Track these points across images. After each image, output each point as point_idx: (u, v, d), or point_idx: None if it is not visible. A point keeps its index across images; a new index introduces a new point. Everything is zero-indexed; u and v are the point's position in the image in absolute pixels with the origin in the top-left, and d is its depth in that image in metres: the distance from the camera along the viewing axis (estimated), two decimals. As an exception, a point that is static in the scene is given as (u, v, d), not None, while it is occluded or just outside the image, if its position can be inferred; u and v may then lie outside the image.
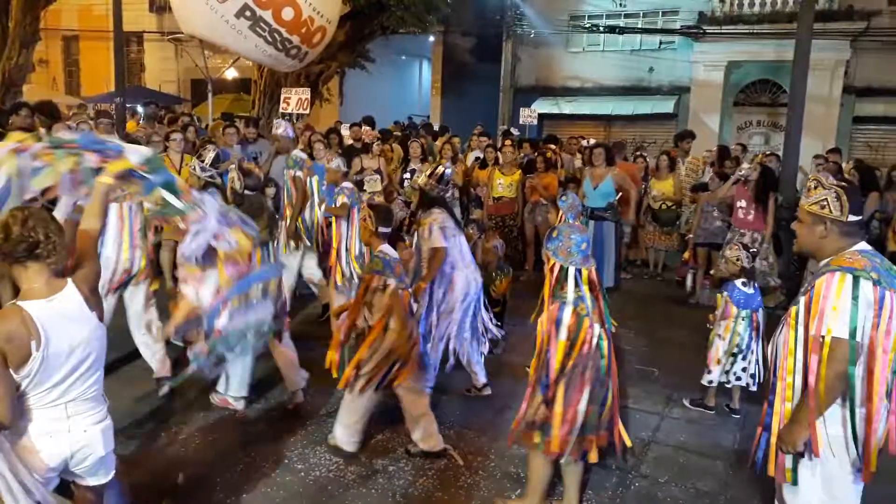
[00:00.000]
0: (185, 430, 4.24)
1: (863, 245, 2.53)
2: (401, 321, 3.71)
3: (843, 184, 2.56)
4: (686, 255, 8.03)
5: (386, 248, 3.93)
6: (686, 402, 4.87)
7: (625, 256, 8.70)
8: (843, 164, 8.84)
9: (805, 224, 2.62)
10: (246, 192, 4.27)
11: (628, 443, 3.34)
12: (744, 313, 4.62)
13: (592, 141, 10.00)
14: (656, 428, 4.57)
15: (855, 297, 2.38)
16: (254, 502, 3.54)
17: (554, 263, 3.20)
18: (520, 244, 8.43)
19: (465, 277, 4.67)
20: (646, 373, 5.47)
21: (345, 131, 10.08)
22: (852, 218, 2.50)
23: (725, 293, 4.73)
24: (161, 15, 21.44)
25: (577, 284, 3.15)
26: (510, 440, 3.54)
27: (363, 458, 3.99)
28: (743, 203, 6.90)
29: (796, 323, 2.56)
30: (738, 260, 4.72)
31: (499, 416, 4.54)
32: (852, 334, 2.37)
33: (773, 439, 2.63)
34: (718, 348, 4.68)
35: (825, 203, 2.53)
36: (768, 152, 10.91)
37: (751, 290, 4.69)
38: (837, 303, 2.39)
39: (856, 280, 2.39)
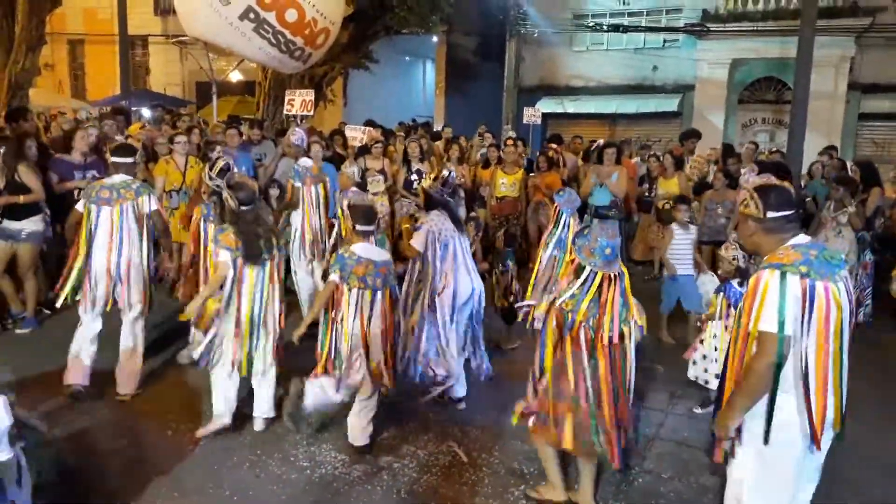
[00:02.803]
0: (191, 428, 4.27)
1: (799, 238, 2.61)
2: (317, 311, 4.03)
3: (762, 184, 2.73)
4: (692, 253, 8.02)
5: (357, 247, 4.03)
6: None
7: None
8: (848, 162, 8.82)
9: (741, 224, 2.77)
10: (242, 207, 4.27)
11: (615, 463, 3.33)
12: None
13: (601, 140, 9.99)
14: (660, 424, 4.59)
15: (782, 293, 2.46)
16: (260, 499, 3.58)
17: (574, 257, 3.25)
18: (524, 243, 8.44)
19: (464, 282, 4.61)
20: (650, 370, 5.48)
21: (349, 132, 10.11)
22: (771, 214, 2.59)
23: (722, 294, 4.71)
24: (166, 18, 21.54)
25: (584, 284, 3.19)
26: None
27: (368, 455, 4.03)
28: (746, 204, 6.93)
29: (739, 319, 2.67)
30: (734, 259, 4.69)
31: (502, 413, 4.53)
32: (780, 327, 2.45)
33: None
34: (714, 347, 4.68)
35: (747, 203, 2.65)
36: (774, 149, 10.94)
37: (744, 290, 4.68)
38: (766, 298, 2.49)
39: (783, 275, 2.48)
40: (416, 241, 4.54)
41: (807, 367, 2.51)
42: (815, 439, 2.54)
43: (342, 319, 3.96)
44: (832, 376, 2.53)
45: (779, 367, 2.48)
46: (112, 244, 4.53)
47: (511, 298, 5.62)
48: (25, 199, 5.71)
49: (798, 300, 2.46)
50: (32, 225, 5.83)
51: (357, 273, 3.94)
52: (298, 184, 6.20)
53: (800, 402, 2.54)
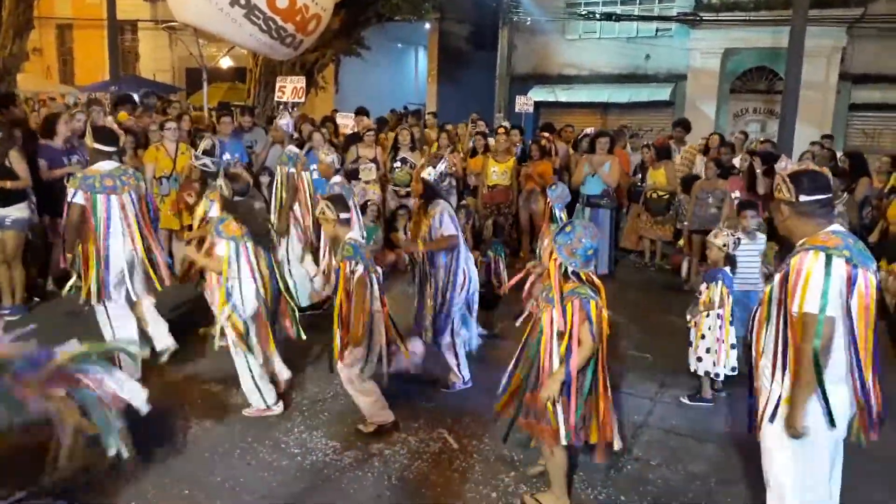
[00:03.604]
0: (183, 416, 4.29)
1: (836, 227, 2.63)
2: (361, 305, 3.85)
3: (796, 170, 2.75)
4: (681, 242, 8.09)
5: (355, 234, 4.12)
6: (685, 400, 4.79)
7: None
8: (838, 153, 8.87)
9: (776, 210, 2.81)
10: (236, 197, 4.30)
11: (615, 443, 3.35)
12: (733, 299, 4.64)
13: (591, 129, 9.99)
14: (649, 412, 4.63)
15: (828, 274, 2.47)
16: (251, 486, 3.59)
17: (556, 257, 3.19)
18: (515, 232, 8.46)
19: (470, 268, 4.75)
20: (639, 358, 5.53)
21: (341, 120, 10.06)
22: (803, 198, 2.62)
23: (721, 282, 4.63)
24: (155, 3, 21.30)
25: (579, 281, 3.17)
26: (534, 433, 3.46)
27: (359, 442, 4.05)
28: (737, 193, 6.98)
29: (770, 300, 2.66)
30: (725, 246, 4.68)
31: (494, 401, 4.53)
32: (823, 309, 2.46)
33: (760, 406, 2.78)
34: (724, 336, 4.62)
35: (780, 188, 2.70)
36: (763, 139, 10.98)
37: (733, 276, 4.72)
38: (811, 279, 2.49)
39: (828, 257, 2.49)
40: (447, 227, 4.53)
41: (856, 354, 2.52)
42: (866, 427, 2.59)
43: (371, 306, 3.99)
44: (868, 365, 2.56)
45: (820, 349, 2.47)
46: (130, 231, 4.53)
47: (497, 285, 5.69)
48: (13, 185, 5.66)
49: (843, 282, 2.48)
50: (17, 212, 5.76)
51: (367, 256, 4.02)
52: (292, 170, 6.16)
53: (851, 391, 2.56)
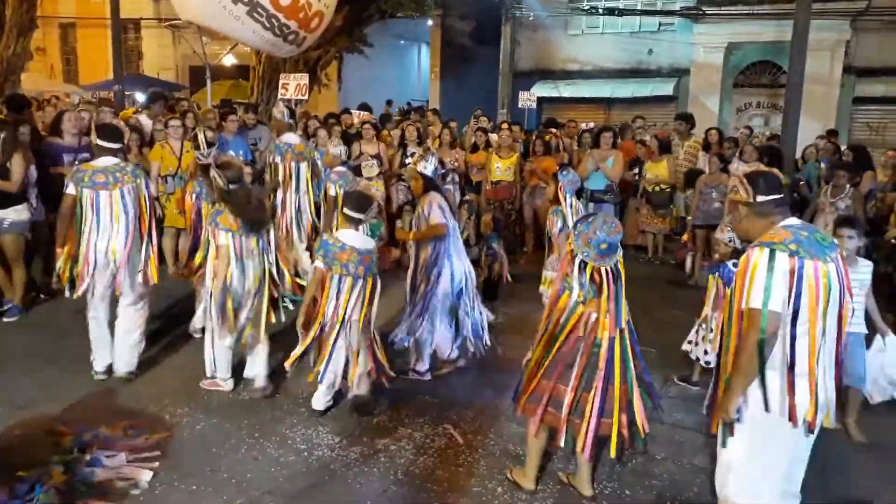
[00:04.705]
0: (189, 412, 4.31)
1: (790, 220, 2.68)
2: (309, 295, 4.07)
3: (750, 170, 2.80)
4: (685, 237, 8.08)
5: (342, 233, 4.09)
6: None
7: None
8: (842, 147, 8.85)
9: (733, 211, 2.87)
10: (230, 185, 4.31)
11: (641, 433, 3.46)
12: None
13: (591, 124, 9.99)
14: (653, 406, 4.62)
15: (770, 269, 2.52)
16: (258, 482, 3.61)
17: (571, 243, 3.23)
18: (518, 228, 8.47)
19: (459, 267, 4.72)
20: (644, 353, 5.50)
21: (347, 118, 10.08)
22: (760, 198, 2.67)
23: (716, 274, 4.72)
24: (158, 1, 21.34)
25: (580, 272, 3.18)
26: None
27: (365, 437, 4.07)
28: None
29: (731, 299, 2.72)
30: (730, 241, 4.71)
31: (498, 396, 4.59)
32: (766, 304, 2.51)
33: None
34: (710, 329, 4.72)
35: (737, 190, 2.75)
36: (770, 134, 10.97)
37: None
38: (754, 275, 2.55)
39: (772, 253, 2.54)
40: (437, 217, 4.56)
41: (794, 346, 2.55)
42: (793, 419, 2.58)
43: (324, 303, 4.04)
44: (824, 356, 2.58)
45: (763, 342, 2.52)
46: (115, 229, 4.47)
47: (495, 276, 5.78)
48: (1, 186, 5.54)
49: (786, 276, 2.52)
50: (15, 214, 5.67)
51: (340, 259, 4.00)
52: (277, 160, 6.21)
53: (783, 381, 2.59)
